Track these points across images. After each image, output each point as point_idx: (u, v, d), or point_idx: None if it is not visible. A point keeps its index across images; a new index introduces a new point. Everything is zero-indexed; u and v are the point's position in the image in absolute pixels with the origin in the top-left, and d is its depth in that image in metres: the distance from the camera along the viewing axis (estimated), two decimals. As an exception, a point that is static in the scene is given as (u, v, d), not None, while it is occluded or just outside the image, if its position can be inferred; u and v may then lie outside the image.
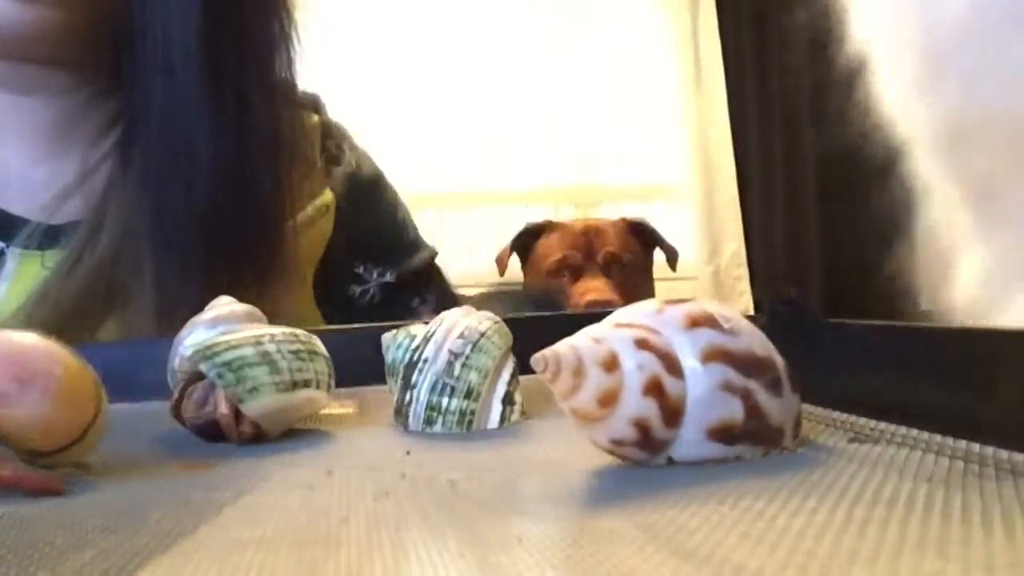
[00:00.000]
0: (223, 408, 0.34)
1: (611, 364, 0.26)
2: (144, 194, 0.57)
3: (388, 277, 0.71)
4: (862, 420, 0.33)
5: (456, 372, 0.36)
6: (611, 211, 2.50)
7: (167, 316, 0.53)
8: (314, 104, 0.72)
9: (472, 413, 0.36)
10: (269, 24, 0.60)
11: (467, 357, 0.36)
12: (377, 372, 0.44)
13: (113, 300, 0.56)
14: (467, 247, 2.58)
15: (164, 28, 0.55)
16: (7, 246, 0.58)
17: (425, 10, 2.63)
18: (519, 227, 1.82)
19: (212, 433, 0.35)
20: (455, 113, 2.65)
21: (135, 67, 0.56)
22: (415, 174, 2.50)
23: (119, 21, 0.55)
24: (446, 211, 2.64)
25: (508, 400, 0.37)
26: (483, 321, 0.38)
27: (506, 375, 0.38)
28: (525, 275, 1.79)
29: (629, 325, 0.28)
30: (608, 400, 0.26)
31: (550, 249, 1.71)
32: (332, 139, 0.71)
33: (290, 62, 0.62)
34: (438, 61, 2.63)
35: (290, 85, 0.63)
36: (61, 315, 0.55)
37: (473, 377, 0.36)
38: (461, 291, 2.48)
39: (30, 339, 0.28)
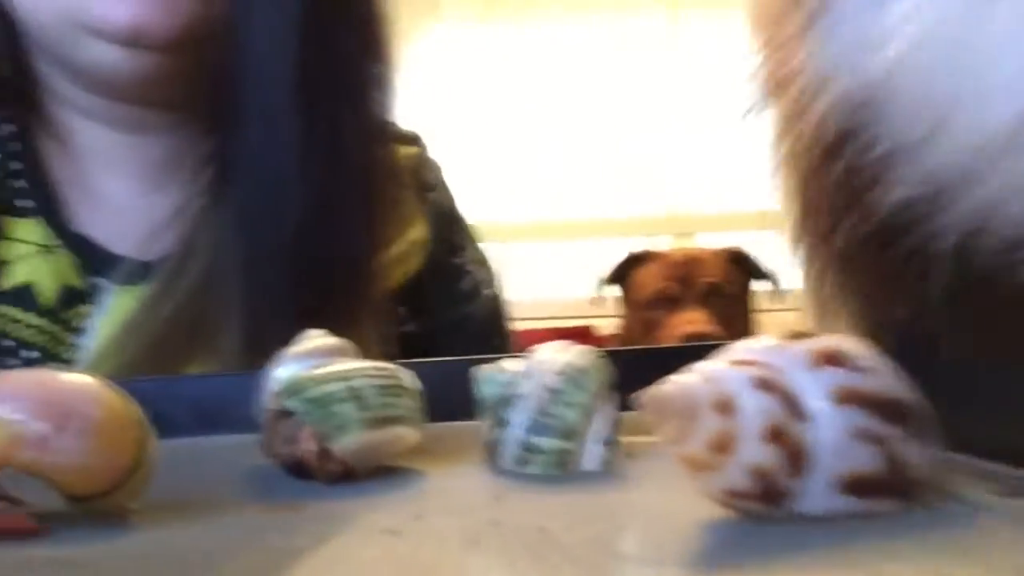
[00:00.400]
0: (309, 445, 0.33)
1: (726, 406, 0.24)
2: (234, 229, 0.57)
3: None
4: (1018, 471, 0.29)
5: (553, 410, 0.34)
6: (708, 240, 2.45)
7: (255, 349, 0.53)
8: (413, 140, 0.72)
9: (569, 454, 0.34)
10: (366, 64, 0.60)
11: (564, 393, 0.34)
12: (469, 407, 0.42)
13: (201, 333, 0.56)
14: (561, 278, 2.57)
15: (261, 67, 0.55)
16: (108, 282, 0.59)
17: (517, 41, 2.65)
18: (615, 258, 1.79)
19: (301, 471, 0.34)
20: (549, 143, 2.65)
21: (232, 105, 0.57)
22: (508, 205, 2.51)
23: (219, 62, 0.56)
24: (539, 242, 2.63)
25: (608, 440, 0.35)
26: (582, 355, 0.36)
27: (606, 413, 0.35)
28: (625, 307, 1.75)
29: (746, 362, 0.25)
30: (722, 446, 0.23)
31: (648, 279, 1.66)
32: (426, 173, 0.71)
33: (386, 101, 0.61)
34: (530, 91, 2.64)
35: (386, 123, 0.63)
36: (149, 347, 0.55)
37: (571, 415, 0.34)
38: (556, 324, 2.46)
39: (71, 379, 0.27)
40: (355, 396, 0.33)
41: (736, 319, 1.65)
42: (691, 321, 1.59)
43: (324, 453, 0.33)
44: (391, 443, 0.35)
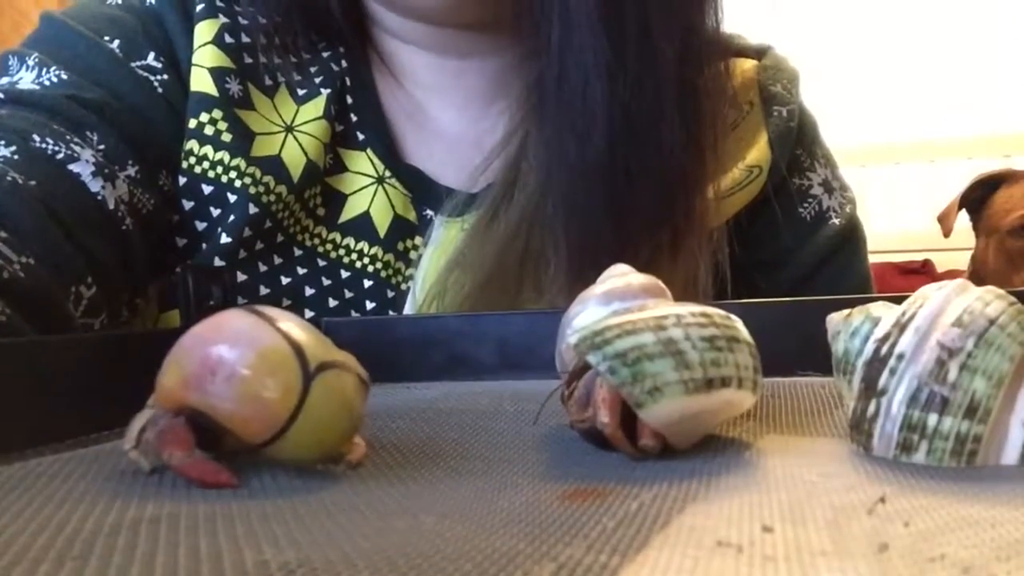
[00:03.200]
0: (603, 416, 0.26)
1: None
2: (550, 156, 0.54)
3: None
4: None
5: (951, 377, 0.24)
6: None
7: (581, 280, 0.49)
8: (758, 53, 0.65)
9: (977, 440, 0.24)
10: None
11: (969, 355, 0.24)
12: (817, 362, 0.33)
13: (528, 267, 0.54)
14: (896, 207, 2.29)
15: None
16: (435, 214, 0.58)
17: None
18: (961, 182, 1.53)
19: (602, 441, 0.27)
20: (881, 55, 2.36)
21: (539, 24, 0.52)
22: (835, 126, 2.27)
23: None
24: (871, 167, 2.36)
25: (1036, 422, 0.24)
26: (993, 302, 0.25)
27: (1032, 383, 0.25)
28: (978, 235, 1.49)
29: None
30: None
31: (1014, 202, 1.39)
32: (773, 87, 0.63)
33: (710, 14, 0.55)
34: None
35: (718, 38, 0.57)
36: (478, 280, 0.54)
37: (979, 385, 0.24)
38: (890, 258, 2.23)
39: (231, 321, 0.25)
40: (673, 350, 0.26)
41: None
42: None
43: (630, 423, 0.26)
44: (719, 411, 0.27)
